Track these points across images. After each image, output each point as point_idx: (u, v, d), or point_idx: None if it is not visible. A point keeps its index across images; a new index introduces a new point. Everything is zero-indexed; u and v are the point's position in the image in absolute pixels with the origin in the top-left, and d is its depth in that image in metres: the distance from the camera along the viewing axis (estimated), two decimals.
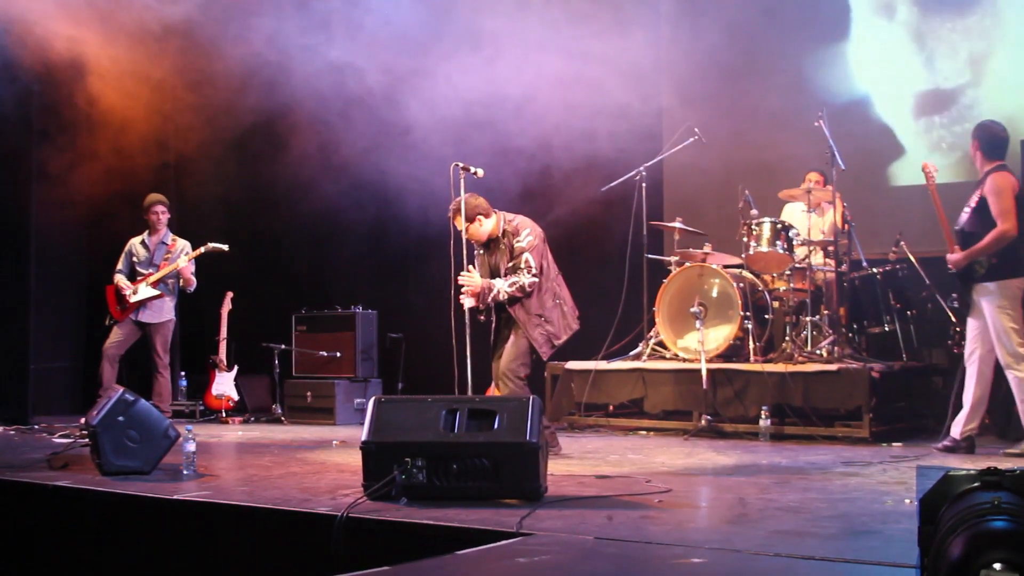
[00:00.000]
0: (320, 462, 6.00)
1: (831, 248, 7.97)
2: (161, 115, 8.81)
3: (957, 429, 6.30)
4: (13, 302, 8.94)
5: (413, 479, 4.34)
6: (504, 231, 6.27)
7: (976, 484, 2.42)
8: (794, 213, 8.33)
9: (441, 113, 7.33)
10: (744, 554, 3.40)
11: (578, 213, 8.33)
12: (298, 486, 4.90)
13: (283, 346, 9.51)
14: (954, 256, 6.28)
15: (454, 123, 7.27)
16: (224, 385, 9.33)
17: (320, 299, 9.76)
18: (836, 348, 7.53)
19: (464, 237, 6.18)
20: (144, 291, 8.23)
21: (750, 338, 7.67)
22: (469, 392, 5.99)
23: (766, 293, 7.93)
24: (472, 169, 6.17)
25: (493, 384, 6.33)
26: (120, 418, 5.31)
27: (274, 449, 6.81)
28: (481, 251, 6.43)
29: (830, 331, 7.70)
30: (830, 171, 7.71)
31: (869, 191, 8.71)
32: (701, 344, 7.43)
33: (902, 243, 7.97)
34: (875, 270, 7.91)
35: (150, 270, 8.32)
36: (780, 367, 7.30)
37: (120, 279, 8.28)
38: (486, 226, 6.27)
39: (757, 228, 7.82)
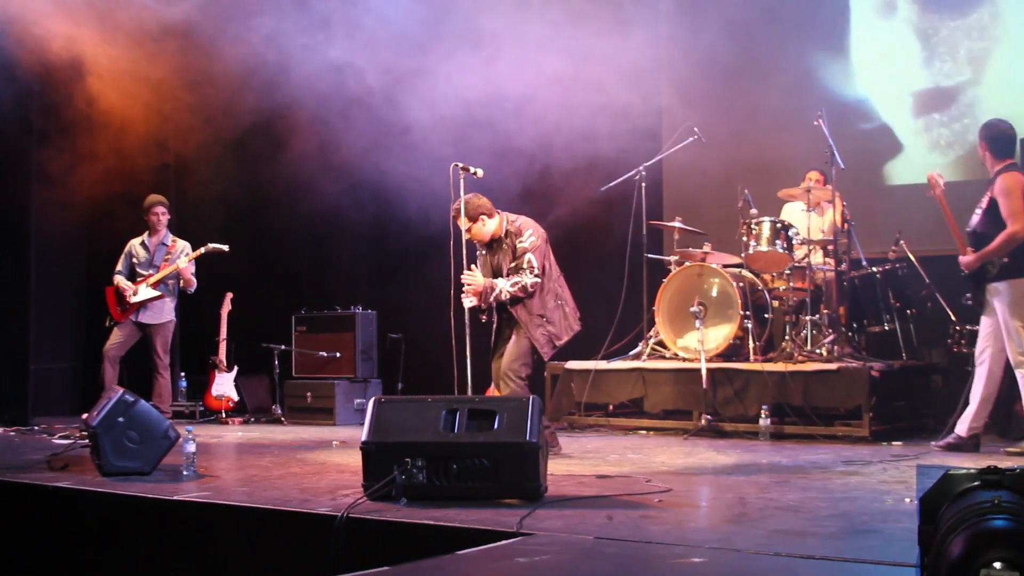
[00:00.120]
0: (320, 462, 6.00)
1: (831, 247, 7.96)
2: (161, 115, 8.78)
3: (963, 426, 6.30)
4: (13, 302, 8.93)
5: (413, 479, 4.34)
6: (507, 231, 6.28)
7: (976, 483, 2.42)
8: (794, 212, 8.32)
9: (441, 113, 7.32)
10: (744, 553, 3.40)
11: (578, 213, 8.32)
12: (298, 486, 4.90)
13: (283, 346, 9.50)
14: (966, 258, 6.28)
15: (454, 123, 7.26)
16: (224, 386, 9.33)
17: (320, 299, 9.75)
18: (836, 347, 7.53)
19: (466, 237, 6.18)
20: (144, 292, 8.22)
21: (750, 337, 7.67)
22: (469, 392, 5.99)
23: (766, 292, 7.93)
24: (472, 169, 6.17)
25: (493, 384, 6.33)
26: (120, 419, 5.31)
27: (274, 450, 6.81)
28: (483, 251, 6.43)
29: (830, 330, 7.70)
30: (830, 170, 7.70)
31: (869, 190, 8.71)
32: (701, 343, 7.43)
33: (902, 242, 7.97)
34: (875, 269, 7.91)
35: (150, 271, 8.31)
36: (780, 366, 7.30)
37: (120, 280, 8.27)
38: (489, 226, 6.27)
39: (757, 227, 7.81)
